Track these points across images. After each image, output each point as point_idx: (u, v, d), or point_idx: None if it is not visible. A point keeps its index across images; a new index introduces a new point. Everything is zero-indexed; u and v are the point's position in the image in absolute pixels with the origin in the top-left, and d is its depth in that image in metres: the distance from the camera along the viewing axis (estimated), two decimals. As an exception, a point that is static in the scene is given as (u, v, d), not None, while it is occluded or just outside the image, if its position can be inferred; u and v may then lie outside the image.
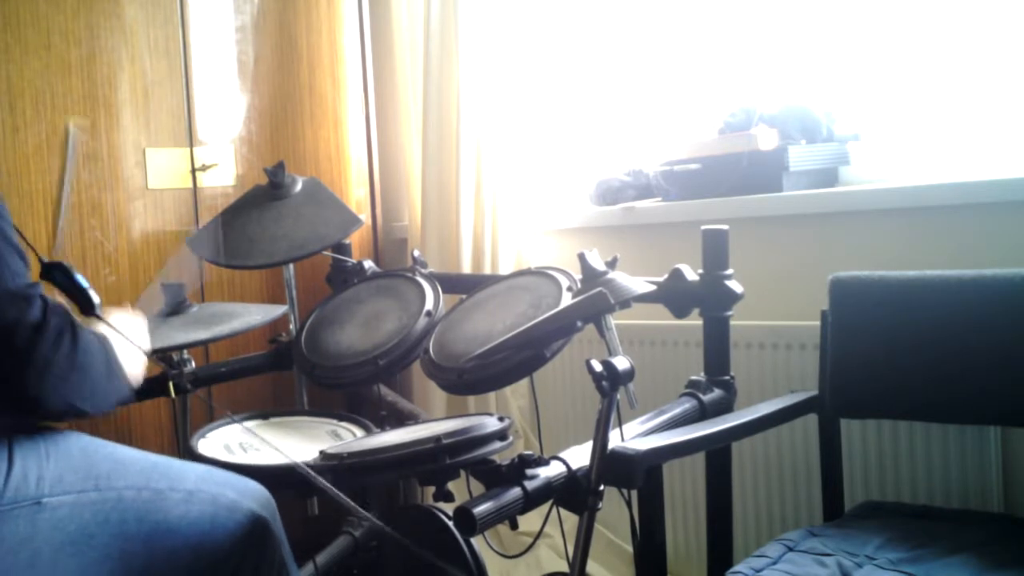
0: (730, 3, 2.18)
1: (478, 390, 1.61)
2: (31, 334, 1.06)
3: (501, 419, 1.43)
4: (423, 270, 1.93)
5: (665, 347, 2.05)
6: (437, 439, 1.34)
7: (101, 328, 1.24)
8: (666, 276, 1.64)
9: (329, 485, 1.28)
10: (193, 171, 2.37)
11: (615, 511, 2.11)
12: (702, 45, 2.24)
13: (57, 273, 1.22)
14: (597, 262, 1.42)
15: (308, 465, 1.37)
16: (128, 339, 1.26)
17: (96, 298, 1.23)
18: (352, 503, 1.27)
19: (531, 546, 1.48)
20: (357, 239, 2.57)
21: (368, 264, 2.12)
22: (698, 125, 2.23)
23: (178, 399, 1.84)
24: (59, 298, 1.18)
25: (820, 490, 1.62)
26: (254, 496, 1.33)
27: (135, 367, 1.30)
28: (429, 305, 1.77)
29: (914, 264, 1.61)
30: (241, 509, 1.30)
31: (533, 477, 1.26)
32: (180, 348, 1.80)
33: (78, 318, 1.18)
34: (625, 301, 1.35)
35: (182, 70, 2.35)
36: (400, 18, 2.61)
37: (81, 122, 1.78)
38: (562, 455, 1.33)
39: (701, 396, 1.57)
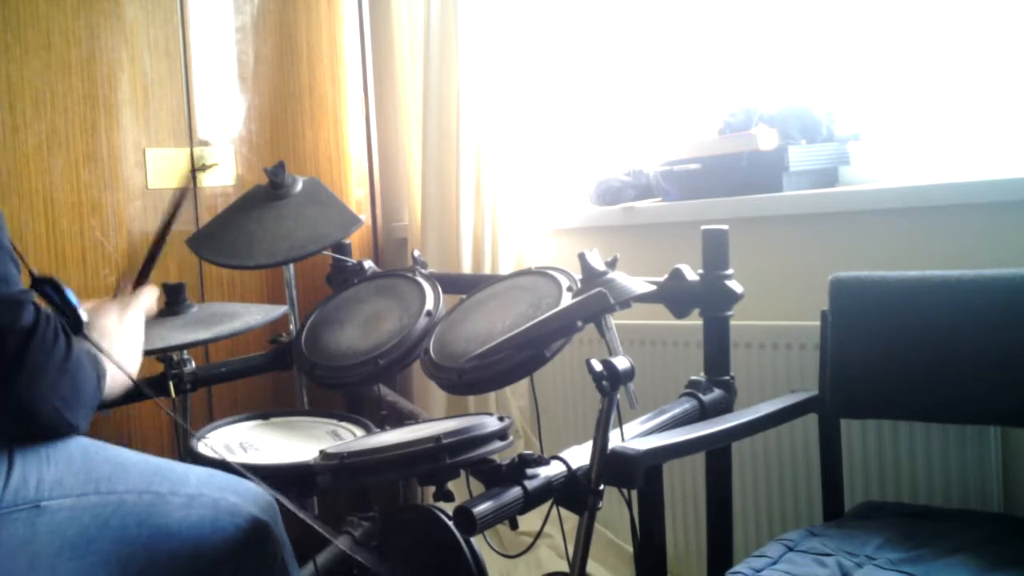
0: (730, 3, 2.18)
1: (478, 390, 1.61)
2: (23, 340, 1.05)
3: (501, 419, 1.43)
4: (423, 270, 1.93)
5: (665, 347, 2.05)
6: (437, 439, 1.33)
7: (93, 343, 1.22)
8: (666, 276, 1.63)
9: (289, 502, 1.28)
10: (193, 171, 2.37)
11: (615, 511, 2.11)
12: (702, 45, 2.24)
13: (48, 288, 1.20)
14: (597, 262, 1.41)
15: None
16: (116, 361, 1.23)
17: (85, 316, 1.21)
18: (319, 525, 1.26)
19: (531, 546, 1.48)
20: (357, 239, 2.57)
21: (368, 264, 2.11)
22: (698, 125, 2.23)
23: (178, 399, 1.84)
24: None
25: (820, 490, 1.62)
26: (255, 500, 1.32)
27: (131, 364, 1.30)
28: (429, 305, 1.77)
29: (914, 264, 1.61)
30: (242, 513, 1.29)
31: (533, 477, 1.26)
32: (180, 348, 1.80)
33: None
34: (625, 301, 1.35)
35: (182, 70, 2.35)
36: (400, 18, 2.61)
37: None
38: (562, 455, 1.33)
39: (701, 396, 1.57)
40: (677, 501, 2.04)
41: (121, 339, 1.31)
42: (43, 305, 1.12)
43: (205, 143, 2.39)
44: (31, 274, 1.21)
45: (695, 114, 2.25)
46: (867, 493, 1.74)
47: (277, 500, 1.36)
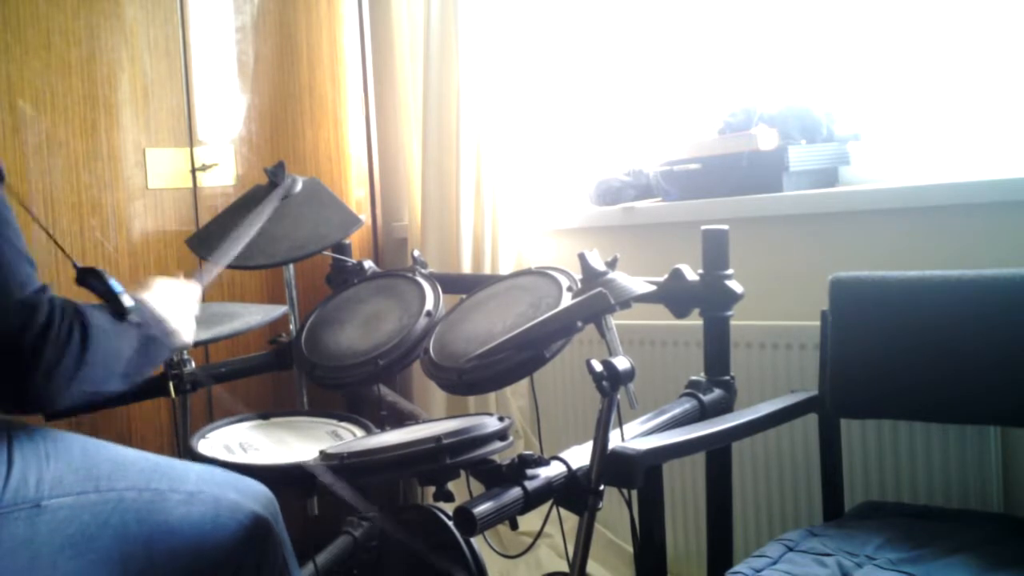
0: (730, 3, 2.18)
1: (478, 390, 1.61)
2: (36, 339, 1.06)
3: (501, 419, 1.43)
4: (423, 270, 1.93)
5: (665, 347, 2.05)
6: (437, 439, 1.33)
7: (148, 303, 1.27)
8: (666, 276, 1.64)
9: (347, 487, 1.29)
10: (193, 171, 2.37)
11: (615, 511, 2.11)
12: (702, 45, 2.24)
13: (92, 279, 1.23)
14: (597, 262, 1.41)
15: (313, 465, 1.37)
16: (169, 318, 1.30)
17: (129, 302, 1.23)
18: (361, 501, 1.27)
19: (531, 546, 1.48)
20: (357, 239, 2.57)
21: (368, 264, 2.11)
22: (698, 125, 2.23)
23: (178, 399, 1.84)
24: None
25: (820, 490, 1.62)
26: (256, 497, 1.32)
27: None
28: (429, 305, 1.77)
29: (914, 264, 1.61)
30: (243, 510, 1.29)
31: (533, 477, 1.27)
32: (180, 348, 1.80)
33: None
34: (625, 301, 1.35)
35: (182, 70, 2.35)
36: (400, 18, 2.61)
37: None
38: (562, 455, 1.33)
39: (701, 396, 1.57)
40: (677, 501, 2.04)
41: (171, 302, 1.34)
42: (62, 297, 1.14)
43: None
44: (75, 267, 1.23)
45: (695, 114, 2.25)
46: (867, 493, 1.74)
47: (277, 499, 1.36)
